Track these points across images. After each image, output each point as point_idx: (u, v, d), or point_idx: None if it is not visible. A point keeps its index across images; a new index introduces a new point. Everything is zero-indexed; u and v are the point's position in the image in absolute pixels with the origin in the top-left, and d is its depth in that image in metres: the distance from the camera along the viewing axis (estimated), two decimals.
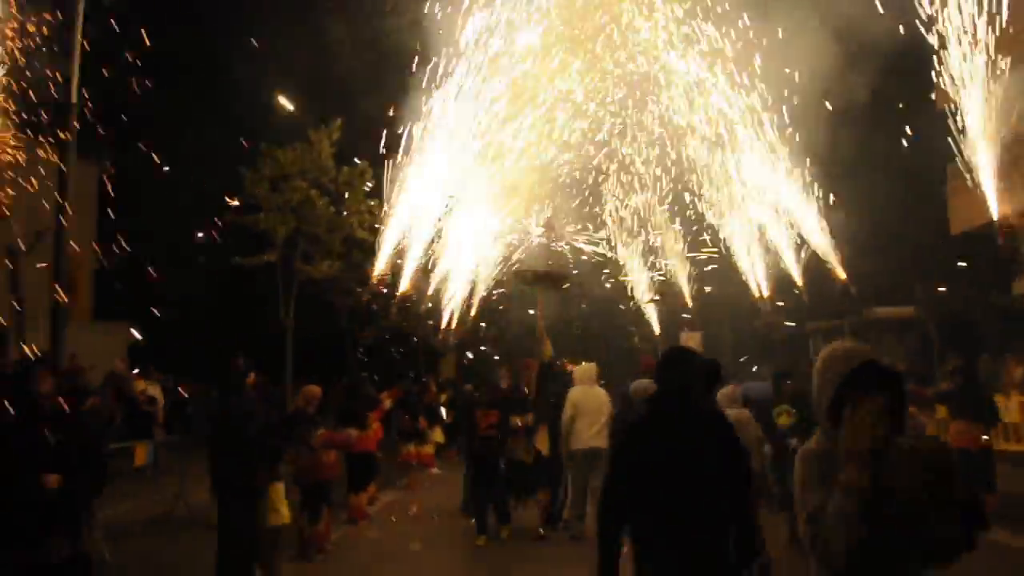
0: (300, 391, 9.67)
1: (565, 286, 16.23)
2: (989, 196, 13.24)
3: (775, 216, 16.23)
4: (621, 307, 23.01)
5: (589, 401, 9.89)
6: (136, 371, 16.79)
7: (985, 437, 10.02)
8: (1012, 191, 13.66)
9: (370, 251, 13.92)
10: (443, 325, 14.21)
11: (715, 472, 3.82)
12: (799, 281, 17.39)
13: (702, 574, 3.78)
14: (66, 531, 4.59)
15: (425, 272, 14.72)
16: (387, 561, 9.47)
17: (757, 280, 17.20)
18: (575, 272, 18.93)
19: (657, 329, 23.36)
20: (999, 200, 13.44)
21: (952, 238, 18.74)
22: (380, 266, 14.12)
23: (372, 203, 14.55)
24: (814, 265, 16.20)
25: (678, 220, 20.97)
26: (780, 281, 17.77)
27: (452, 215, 14.48)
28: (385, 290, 16.00)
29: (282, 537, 8.11)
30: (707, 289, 21.56)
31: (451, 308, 14.27)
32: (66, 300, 9.18)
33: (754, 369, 16.66)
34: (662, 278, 22.36)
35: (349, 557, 9.58)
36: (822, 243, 15.41)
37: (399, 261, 13.95)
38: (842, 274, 14.69)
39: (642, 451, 4.01)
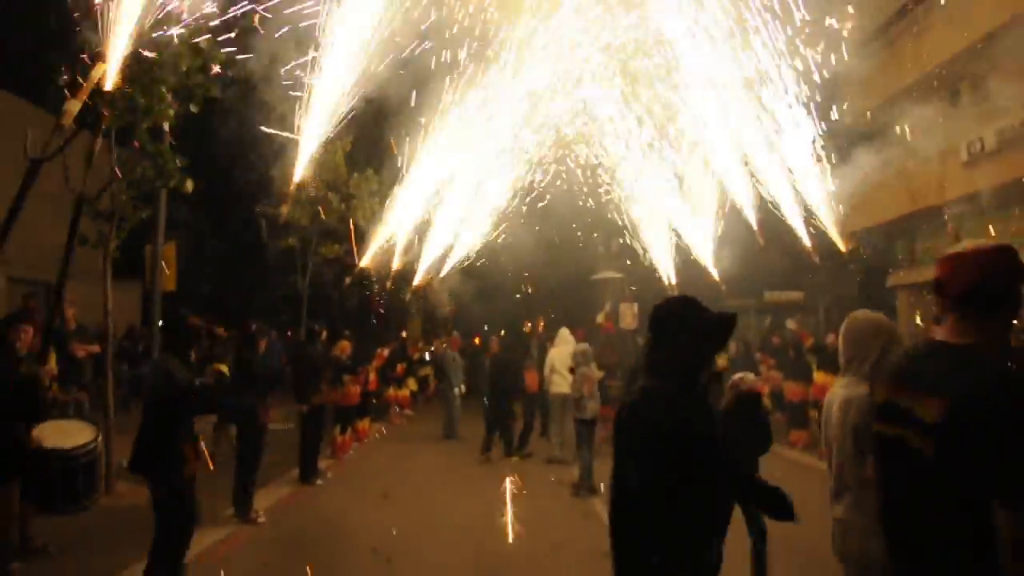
0: (337, 344, 13.48)
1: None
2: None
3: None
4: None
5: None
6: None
7: None
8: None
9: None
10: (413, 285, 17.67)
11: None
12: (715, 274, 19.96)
13: None
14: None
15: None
16: (394, 458, 13.65)
17: (666, 271, 20.20)
18: None
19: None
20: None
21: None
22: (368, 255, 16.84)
23: (375, 201, 18.21)
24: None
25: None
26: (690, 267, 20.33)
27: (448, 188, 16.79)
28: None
29: None
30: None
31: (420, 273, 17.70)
32: (167, 273, 12.64)
33: None
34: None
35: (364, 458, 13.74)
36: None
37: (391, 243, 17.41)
38: (715, 275, 17.97)
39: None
